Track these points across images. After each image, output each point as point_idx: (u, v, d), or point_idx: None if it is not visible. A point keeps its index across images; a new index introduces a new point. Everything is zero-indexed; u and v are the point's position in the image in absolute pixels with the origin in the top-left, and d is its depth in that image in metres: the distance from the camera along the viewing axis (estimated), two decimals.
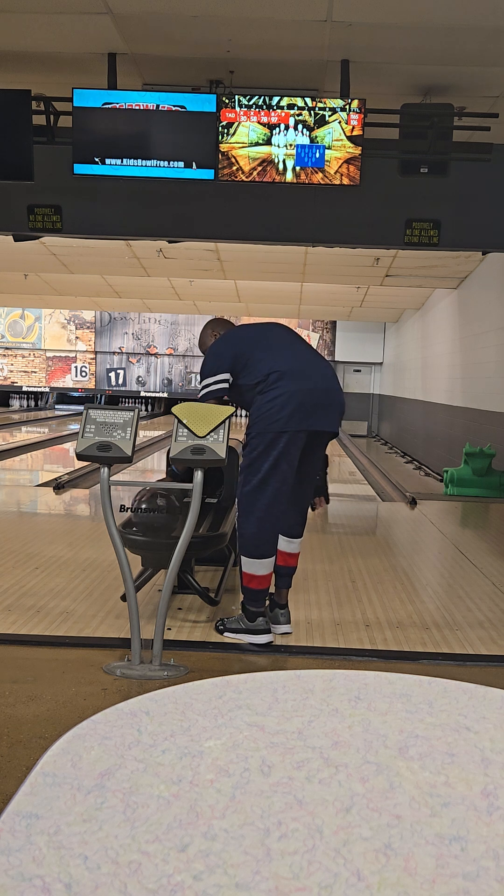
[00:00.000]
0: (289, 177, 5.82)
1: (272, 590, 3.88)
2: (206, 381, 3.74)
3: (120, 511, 3.75)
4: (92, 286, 15.15)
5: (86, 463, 7.76)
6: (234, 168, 5.82)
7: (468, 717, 0.81)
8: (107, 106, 5.69)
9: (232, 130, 5.76)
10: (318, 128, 5.73)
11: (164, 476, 5.19)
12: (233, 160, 5.81)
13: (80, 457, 3.33)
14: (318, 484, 4.17)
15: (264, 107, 5.74)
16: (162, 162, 5.81)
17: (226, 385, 3.71)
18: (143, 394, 24.51)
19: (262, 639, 3.72)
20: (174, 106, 5.73)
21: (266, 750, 0.76)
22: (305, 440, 3.66)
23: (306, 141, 5.76)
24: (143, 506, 3.87)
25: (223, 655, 3.61)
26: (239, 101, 5.74)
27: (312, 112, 5.73)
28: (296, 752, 0.75)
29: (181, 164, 5.83)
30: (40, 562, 5.03)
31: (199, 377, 3.82)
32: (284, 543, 3.85)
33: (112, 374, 24.61)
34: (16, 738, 2.72)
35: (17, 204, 6.98)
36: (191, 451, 3.32)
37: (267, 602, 3.84)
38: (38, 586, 4.48)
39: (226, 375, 3.70)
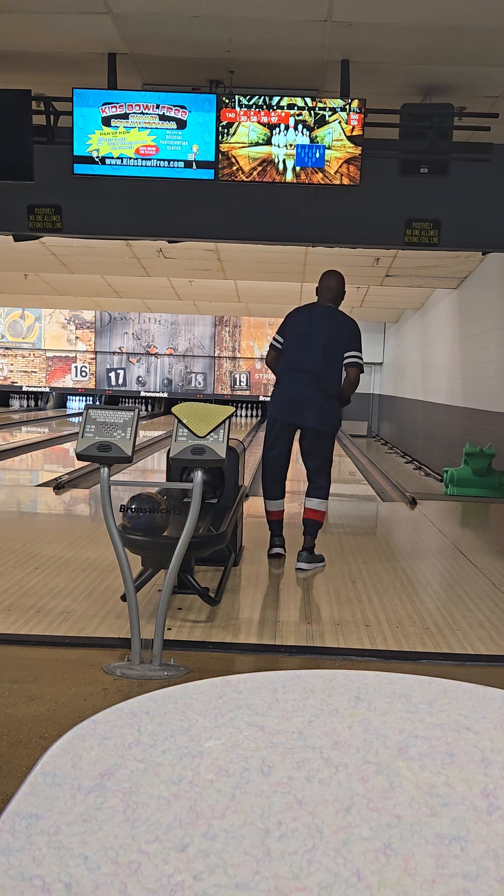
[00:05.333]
0: (289, 177, 5.82)
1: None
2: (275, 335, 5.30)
3: (120, 511, 3.75)
4: (92, 286, 15.15)
5: (86, 463, 7.75)
6: (234, 168, 5.81)
7: (468, 717, 0.81)
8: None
9: (232, 130, 5.76)
10: (318, 128, 5.73)
11: (163, 476, 5.20)
12: (233, 160, 5.80)
13: (80, 457, 3.33)
14: None
15: (264, 107, 5.74)
16: (162, 162, 5.82)
17: (276, 344, 5.22)
18: (143, 394, 24.51)
19: (272, 551, 5.31)
20: (174, 106, 5.74)
21: (266, 750, 0.76)
22: (297, 429, 5.17)
23: (306, 141, 5.76)
24: (133, 506, 3.86)
25: (223, 655, 3.61)
26: (239, 101, 5.74)
27: (312, 112, 5.73)
28: (296, 752, 0.75)
29: (181, 164, 5.83)
30: (40, 562, 5.03)
31: None
32: (307, 500, 5.28)
33: (112, 374, 24.60)
34: (16, 738, 2.72)
35: (17, 204, 6.97)
36: (191, 451, 3.32)
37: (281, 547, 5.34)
38: (38, 586, 4.48)
39: (280, 338, 5.20)
